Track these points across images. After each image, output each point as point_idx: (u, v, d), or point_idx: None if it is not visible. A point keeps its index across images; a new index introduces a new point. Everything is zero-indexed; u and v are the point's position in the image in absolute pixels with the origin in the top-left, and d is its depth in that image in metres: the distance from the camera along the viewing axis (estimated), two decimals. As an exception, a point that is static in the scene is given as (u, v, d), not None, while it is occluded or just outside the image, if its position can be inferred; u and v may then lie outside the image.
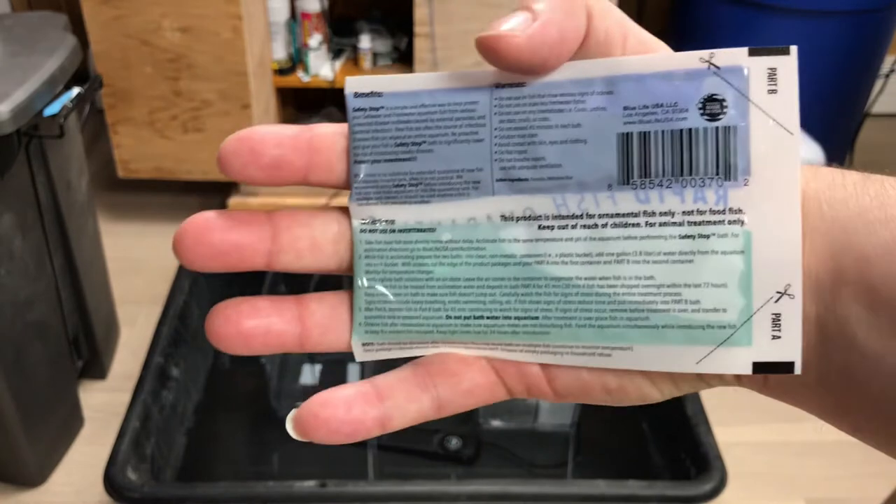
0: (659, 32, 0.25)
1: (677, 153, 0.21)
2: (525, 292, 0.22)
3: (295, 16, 1.48)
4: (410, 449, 1.08)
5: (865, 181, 0.20)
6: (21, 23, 1.02)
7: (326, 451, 1.10)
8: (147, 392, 1.00)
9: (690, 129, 0.21)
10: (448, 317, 0.23)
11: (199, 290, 1.20)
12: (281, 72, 1.50)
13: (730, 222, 0.21)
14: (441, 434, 1.08)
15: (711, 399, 1.03)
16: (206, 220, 0.22)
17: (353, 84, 0.23)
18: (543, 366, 0.23)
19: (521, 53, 0.20)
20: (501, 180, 0.22)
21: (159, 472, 0.99)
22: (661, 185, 0.21)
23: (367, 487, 0.89)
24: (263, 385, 1.20)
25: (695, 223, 0.21)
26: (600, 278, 0.22)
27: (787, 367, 0.21)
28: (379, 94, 0.22)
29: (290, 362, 1.21)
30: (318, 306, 0.23)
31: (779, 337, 0.21)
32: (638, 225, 0.21)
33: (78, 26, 1.23)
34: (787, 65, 0.20)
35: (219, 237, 0.22)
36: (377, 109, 0.22)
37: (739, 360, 0.21)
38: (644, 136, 0.21)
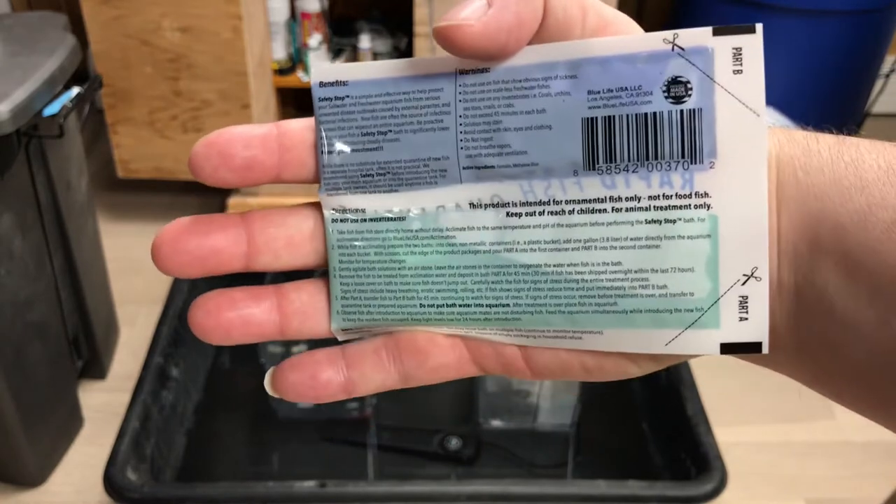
0: (659, 32, 0.25)
1: (642, 137, 0.21)
2: (495, 280, 0.22)
3: (295, 16, 1.48)
4: (410, 449, 1.08)
5: (840, 146, 0.20)
6: (21, 23, 1.02)
7: (326, 451, 1.10)
8: (147, 392, 1.00)
9: (655, 113, 0.20)
10: (421, 305, 0.23)
11: (198, 291, 1.20)
12: (281, 72, 1.50)
13: (696, 206, 0.21)
14: (441, 434, 1.08)
15: (711, 399, 1.03)
16: (181, 228, 0.22)
17: (319, 73, 0.23)
18: (521, 346, 0.23)
19: (477, 41, 0.20)
20: (468, 168, 0.22)
21: (159, 473, 0.99)
22: (627, 170, 0.21)
23: (367, 487, 0.89)
24: (263, 385, 1.20)
25: (661, 208, 0.21)
26: (568, 265, 0.22)
27: (754, 346, 0.21)
28: (344, 83, 0.22)
29: (289, 362, 1.21)
30: (296, 295, 0.24)
31: (746, 318, 0.21)
32: (604, 211, 0.21)
33: (78, 26, 1.23)
34: (753, 44, 0.20)
35: (195, 244, 0.22)
36: (342, 99, 0.22)
37: (708, 342, 0.21)
38: (609, 121, 0.21)
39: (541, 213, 0.22)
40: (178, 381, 1.09)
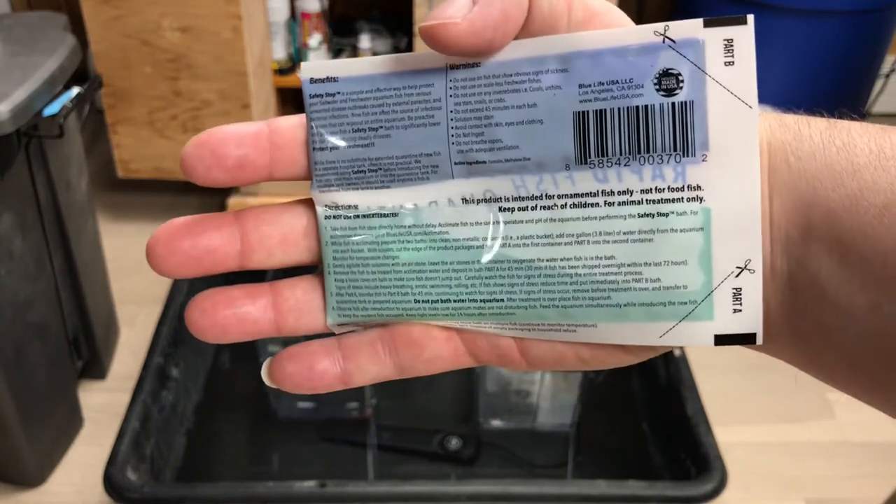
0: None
1: (634, 131, 0.20)
2: (489, 275, 0.22)
3: (295, 16, 1.48)
4: (410, 449, 1.08)
5: (832, 129, 0.20)
6: (21, 23, 1.02)
7: (326, 451, 1.10)
8: (147, 392, 1.00)
9: (647, 106, 0.20)
10: (416, 300, 0.23)
11: (198, 290, 1.19)
12: (281, 72, 1.50)
13: (688, 199, 0.21)
14: (441, 434, 1.08)
15: (711, 399, 1.03)
16: (175, 228, 0.22)
17: (309, 69, 0.23)
18: (516, 338, 0.23)
19: (464, 38, 0.20)
20: (460, 163, 0.22)
21: (159, 473, 0.99)
22: (619, 164, 0.21)
23: (367, 487, 0.89)
24: (263, 385, 1.19)
25: (653, 201, 0.21)
26: (561, 259, 0.22)
27: (748, 338, 0.21)
28: (335, 80, 0.22)
29: (289, 362, 1.21)
30: (291, 292, 0.24)
31: (740, 310, 0.21)
32: (597, 205, 0.21)
33: (78, 26, 1.23)
34: (744, 35, 0.20)
35: (189, 244, 0.22)
36: (333, 95, 0.22)
37: (702, 334, 0.21)
38: (600, 115, 0.21)
39: (533, 208, 0.22)
40: (178, 381, 1.09)
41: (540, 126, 0.21)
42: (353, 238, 0.23)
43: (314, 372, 0.23)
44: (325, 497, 0.87)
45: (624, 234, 0.21)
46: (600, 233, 0.21)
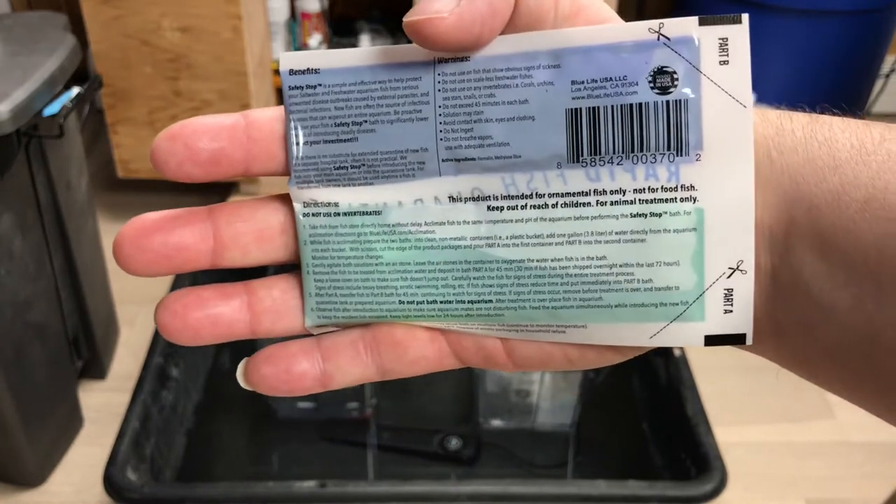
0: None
1: (627, 129, 0.20)
2: (477, 276, 0.22)
3: (295, 16, 1.48)
4: (410, 449, 1.08)
5: (814, 124, 0.20)
6: (21, 23, 1.02)
7: (326, 451, 1.10)
8: (147, 392, 1.00)
9: (641, 104, 0.20)
10: (400, 301, 0.22)
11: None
12: (281, 72, 1.50)
13: (682, 199, 0.20)
14: (441, 434, 1.08)
15: (711, 399, 1.03)
16: (143, 224, 0.21)
17: (289, 60, 0.22)
18: (503, 339, 0.23)
19: (451, 34, 0.19)
20: (447, 160, 0.21)
21: (159, 473, 0.99)
22: (612, 163, 0.20)
23: (367, 487, 0.89)
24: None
25: (646, 201, 0.20)
26: (552, 260, 0.21)
27: (738, 338, 0.21)
28: (316, 71, 0.21)
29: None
30: (266, 293, 0.23)
31: (731, 311, 0.21)
32: (589, 204, 0.21)
33: (78, 26, 1.23)
34: (740, 34, 0.19)
35: (159, 241, 0.21)
36: (314, 87, 0.21)
37: (692, 335, 0.21)
38: (593, 112, 0.20)
39: (523, 207, 0.21)
40: (178, 381, 1.09)
41: (531, 123, 0.21)
42: (334, 237, 0.22)
43: (292, 374, 0.23)
44: (325, 497, 0.87)
45: (616, 234, 0.21)
46: (592, 233, 0.21)
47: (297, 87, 0.22)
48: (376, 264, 0.22)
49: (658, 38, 0.20)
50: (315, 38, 1.48)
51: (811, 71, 1.47)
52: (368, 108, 0.21)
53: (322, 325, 0.23)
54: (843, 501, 1.05)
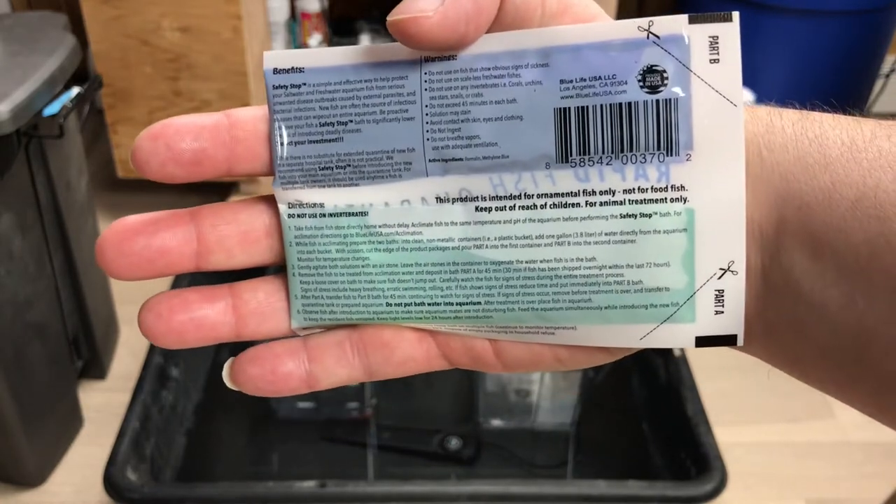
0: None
1: (617, 128, 0.20)
2: (465, 277, 0.22)
3: (295, 16, 1.48)
4: (410, 449, 1.08)
5: (804, 121, 0.20)
6: (21, 23, 1.02)
7: (326, 451, 1.10)
8: (147, 392, 1.00)
9: (630, 103, 0.20)
10: (388, 304, 0.22)
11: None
12: (281, 72, 1.50)
13: (672, 200, 0.20)
14: (441, 434, 1.08)
15: (711, 399, 1.03)
16: (126, 228, 0.21)
17: (272, 59, 0.21)
18: (491, 340, 0.23)
19: (436, 33, 0.19)
20: (434, 160, 0.21)
21: (159, 473, 0.99)
22: (601, 163, 0.20)
23: (367, 487, 0.89)
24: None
25: (636, 202, 0.20)
26: (541, 261, 0.21)
27: (729, 339, 0.21)
28: (300, 70, 0.21)
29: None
30: (251, 295, 0.23)
31: (722, 312, 0.20)
32: (578, 205, 0.20)
33: (78, 26, 1.23)
34: (730, 33, 0.19)
35: (142, 244, 0.21)
36: (299, 87, 0.21)
37: (683, 336, 0.21)
38: (582, 111, 0.20)
39: (511, 208, 0.21)
40: (178, 381, 1.09)
41: (519, 122, 0.20)
42: (320, 238, 0.22)
43: (277, 375, 0.22)
44: (325, 497, 0.87)
45: (606, 234, 0.21)
46: (581, 234, 0.21)
47: (281, 87, 0.21)
48: (363, 266, 0.22)
49: (648, 37, 0.20)
50: (315, 38, 1.48)
51: (811, 71, 1.47)
52: (354, 107, 0.21)
53: (308, 328, 0.23)
54: (843, 501, 1.05)
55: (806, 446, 1.12)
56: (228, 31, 1.30)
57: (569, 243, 0.21)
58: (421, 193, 0.21)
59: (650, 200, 0.20)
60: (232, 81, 1.36)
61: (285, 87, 0.21)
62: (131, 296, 1.34)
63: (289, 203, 0.22)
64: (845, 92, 1.52)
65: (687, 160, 0.20)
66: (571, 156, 0.20)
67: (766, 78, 1.47)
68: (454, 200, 0.21)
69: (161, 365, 1.05)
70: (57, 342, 1.05)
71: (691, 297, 0.21)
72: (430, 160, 0.21)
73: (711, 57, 0.19)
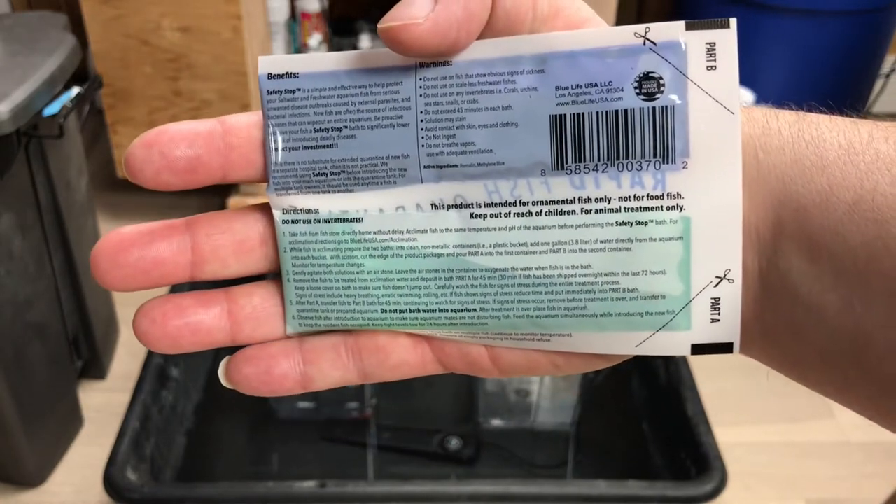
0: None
1: (613, 135, 0.20)
2: (460, 284, 0.22)
3: (295, 16, 1.48)
4: (410, 449, 1.08)
5: (801, 123, 0.19)
6: (21, 23, 1.02)
7: (326, 451, 1.10)
8: (147, 392, 1.00)
9: (626, 110, 0.20)
10: (383, 310, 0.22)
11: (198, 290, 1.19)
12: (281, 72, 1.50)
13: (668, 208, 0.20)
14: (441, 434, 1.08)
15: (711, 399, 1.03)
16: (120, 239, 0.21)
17: (267, 64, 0.21)
18: (487, 345, 0.23)
19: (427, 39, 0.19)
20: (429, 167, 0.21)
21: (159, 473, 0.99)
22: (597, 170, 0.20)
23: (367, 487, 0.89)
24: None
25: (632, 209, 0.20)
26: (536, 268, 0.21)
27: (725, 347, 0.21)
28: (295, 75, 0.21)
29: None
30: (247, 300, 0.23)
31: (717, 320, 0.20)
32: (573, 212, 0.20)
33: (78, 26, 1.23)
34: (727, 39, 0.19)
35: (136, 255, 0.21)
36: (293, 92, 0.21)
37: (678, 343, 0.21)
38: (578, 118, 0.20)
39: (506, 215, 0.21)
40: (178, 381, 1.09)
41: (515, 129, 0.20)
42: (314, 244, 0.22)
43: (272, 375, 0.22)
44: (325, 497, 0.87)
45: (601, 242, 0.20)
46: (577, 241, 0.21)
47: (275, 92, 0.21)
48: (357, 272, 0.22)
49: (644, 43, 0.19)
50: (315, 38, 1.48)
51: (811, 71, 1.47)
52: (349, 113, 0.21)
53: (303, 334, 0.23)
54: (843, 501, 1.05)
55: (806, 446, 1.12)
56: (228, 31, 1.30)
57: (564, 250, 0.21)
58: (416, 200, 0.21)
59: (646, 208, 0.20)
60: (232, 81, 1.36)
61: (280, 92, 0.21)
62: (131, 296, 1.33)
63: (283, 209, 0.22)
64: (845, 92, 1.52)
65: (683, 168, 0.20)
66: (567, 163, 0.20)
67: (766, 78, 1.47)
68: (449, 207, 0.21)
69: (161, 365, 1.05)
70: (57, 342, 1.05)
71: (687, 304, 0.21)
72: (424, 166, 0.21)
73: (708, 64, 0.19)
